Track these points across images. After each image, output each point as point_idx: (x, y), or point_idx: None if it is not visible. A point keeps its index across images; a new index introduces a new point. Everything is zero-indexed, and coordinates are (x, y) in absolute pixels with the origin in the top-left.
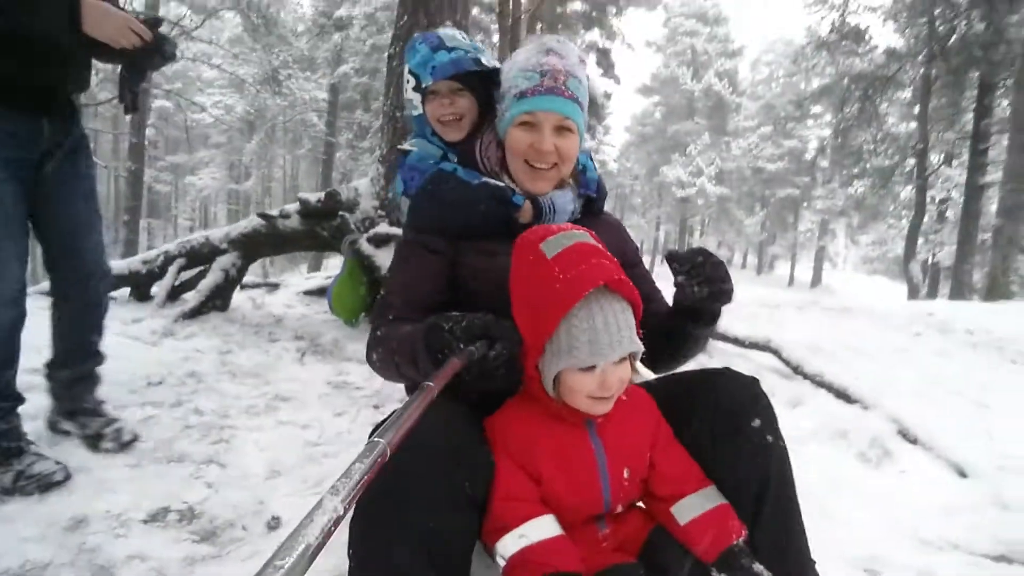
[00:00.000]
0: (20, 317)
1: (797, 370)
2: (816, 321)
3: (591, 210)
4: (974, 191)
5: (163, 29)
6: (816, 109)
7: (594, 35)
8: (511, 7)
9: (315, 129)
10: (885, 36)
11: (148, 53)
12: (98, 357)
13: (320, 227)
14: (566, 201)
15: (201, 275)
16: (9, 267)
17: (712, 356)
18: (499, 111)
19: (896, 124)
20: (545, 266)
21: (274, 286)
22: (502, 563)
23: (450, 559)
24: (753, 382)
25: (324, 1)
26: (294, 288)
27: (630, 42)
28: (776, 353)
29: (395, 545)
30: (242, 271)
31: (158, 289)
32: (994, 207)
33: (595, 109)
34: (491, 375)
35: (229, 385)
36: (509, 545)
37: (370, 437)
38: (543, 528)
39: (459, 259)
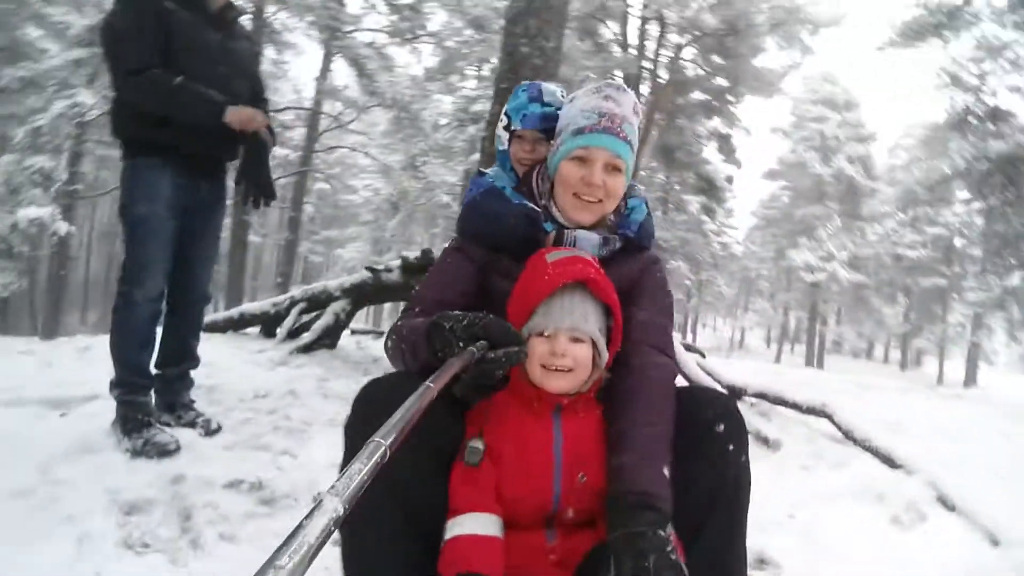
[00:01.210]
0: (158, 313)
1: (847, 435)
2: (917, 402)
3: (628, 248)
4: None
5: (324, 122)
6: (963, 195)
7: (715, 123)
8: None
9: (449, 210)
10: None
11: (264, 140)
12: (195, 360)
13: (416, 280)
14: (590, 243)
15: (317, 318)
16: (158, 276)
17: (771, 420)
18: (554, 146)
19: None
20: (543, 266)
21: (380, 334)
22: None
23: (401, 506)
24: (727, 396)
25: (464, 99)
26: None
27: (748, 127)
28: (830, 417)
29: (376, 507)
30: (351, 315)
31: (281, 328)
32: None
33: (715, 192)
34: (489, 375)
35: (319, 402)
36: (447, 529)
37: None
38: (481, 524)
39: (488, 274)
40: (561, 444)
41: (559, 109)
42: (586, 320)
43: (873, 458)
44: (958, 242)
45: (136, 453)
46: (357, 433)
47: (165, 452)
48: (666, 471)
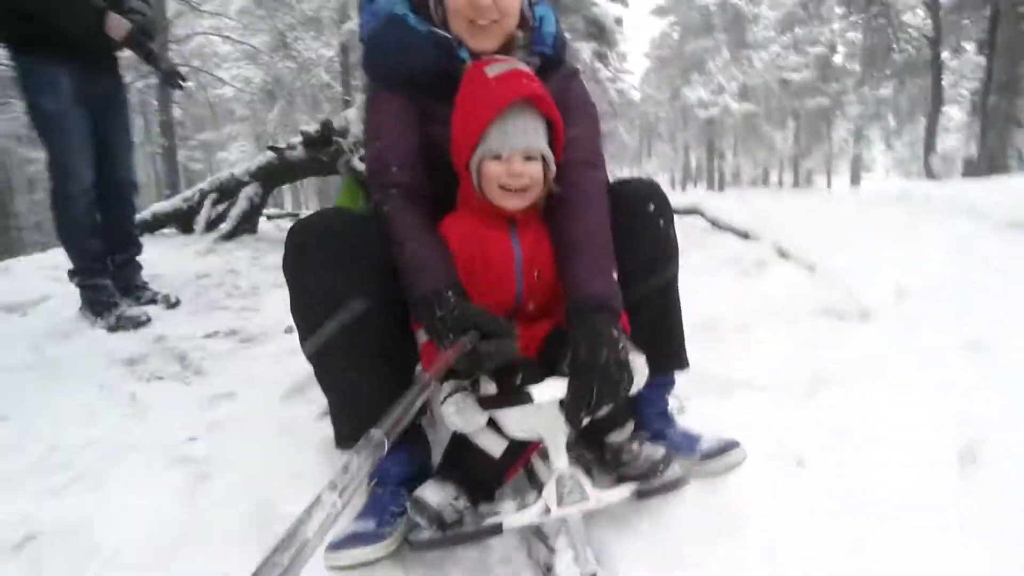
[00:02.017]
0: (93, 202)
1: (714, 223)
2: (787, 201)
3: (548, 65)
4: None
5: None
6: (840, 12)
7: None
8: None
9: (332, 91)
10: None
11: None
12: (138, 246)
13: (320, 154)
14: None
15: (231, 207)
16: (84, 166)
17: None
18: None
19: (910, 15)
20: (485, 82)
21: (295, 215)
22: (420, 341)
23: (357, 329)
24: (653, 181)
25: None
26: None
27: None
28: (700, 213)
29: (312, 321)
30: (264, 199)
31: (198, 221)
32: None
33: (605, 35)
34: (481, 365)
35: (260, 273)
36: (421, 334)
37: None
38: None
39: (423, 124)
40: (520, 251)
41: None
42: (537, 137)
43: (736, 239)
44: (838, 59)
45: (113, 328)
46: (293, 267)
47: (139, 323)
48: (614, 274)
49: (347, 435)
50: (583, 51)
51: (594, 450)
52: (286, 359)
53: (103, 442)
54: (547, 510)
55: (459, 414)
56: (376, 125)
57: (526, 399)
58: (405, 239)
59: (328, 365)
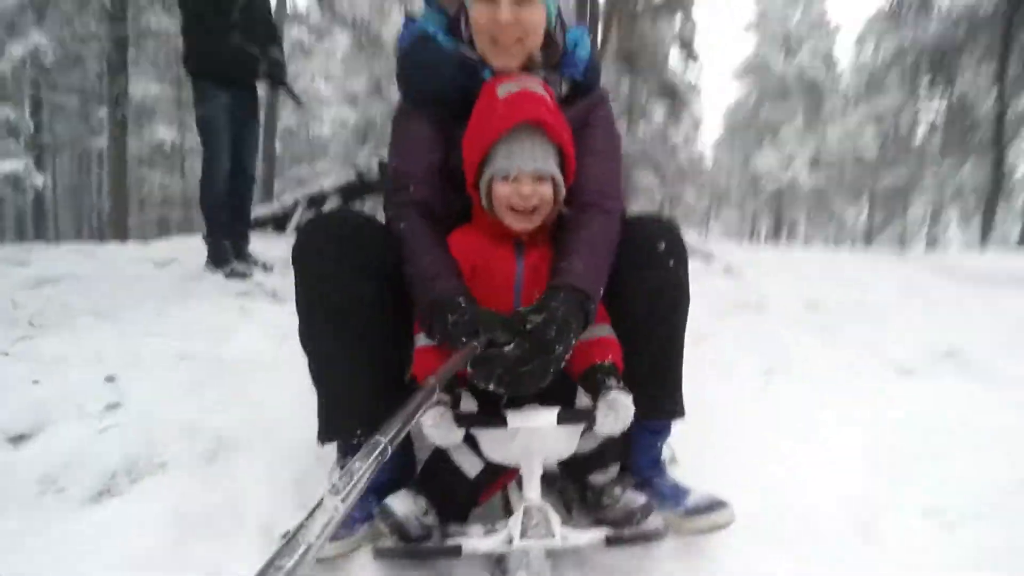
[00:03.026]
0: (227, 184)
1: (707, 257)
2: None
3: (578, 90)
4: None
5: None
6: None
7: (675, 25)
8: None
9: None
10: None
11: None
12: (249, 222)
13: None
14: None
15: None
16: (225, 157)
17: None
18: None
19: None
20: (494, 102)
21: None
22: (417, 345)
23: (352, 326)
24: (670, 221)
25: None
26: None
27: (708, 25)
28: (696, 247)
29: (312, 313)
30: (345, 208)
31: (291, 221)
32: None
33: (678, 96)
34: (492, 367)
35: None
36: (418, 338)
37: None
38: None
39: (448, 148)
40: (522, 271)
41: None
42: (547, 160)
43: (702, 261)
44: (919, 137)
45: (228, 276)
46: (301, 264)
47: (245, 275)
48: (604, 278)
49: (326, 430)
50: (656, 112)
51: (577, 488)
52: None
53: (225, 326)
54: (509, 540)
55: (435, 428)
56: (398, 143)
57: (500, 422)
58: (418, 254)
59: (321, 359)
